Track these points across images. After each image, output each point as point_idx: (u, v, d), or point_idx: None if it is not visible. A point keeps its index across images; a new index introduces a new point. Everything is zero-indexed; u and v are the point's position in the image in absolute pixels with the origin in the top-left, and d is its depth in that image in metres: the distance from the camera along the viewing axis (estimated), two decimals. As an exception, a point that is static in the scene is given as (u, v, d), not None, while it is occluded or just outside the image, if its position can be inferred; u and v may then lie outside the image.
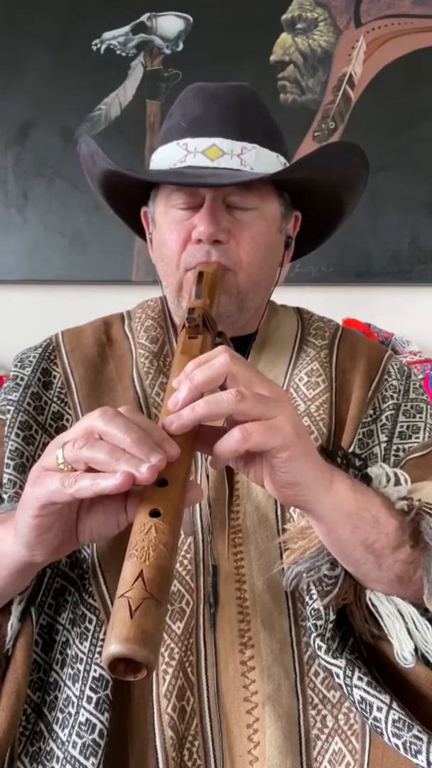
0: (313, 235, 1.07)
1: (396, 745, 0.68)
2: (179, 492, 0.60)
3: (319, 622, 0.74)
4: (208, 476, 0.87)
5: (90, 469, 0.60)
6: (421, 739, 0.67)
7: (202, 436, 0.66)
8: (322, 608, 0.75)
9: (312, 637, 0.74)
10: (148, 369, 0.96)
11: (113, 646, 0.50)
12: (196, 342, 0.75)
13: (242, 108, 0.94)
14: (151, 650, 0.51)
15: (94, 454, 0.59)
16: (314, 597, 0.76)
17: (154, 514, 0.58)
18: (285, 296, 1.11)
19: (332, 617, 0.75)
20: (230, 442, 0.63)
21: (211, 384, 0.65)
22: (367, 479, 0.76)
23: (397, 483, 0.77)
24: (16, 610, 0.77)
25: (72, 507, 0.65)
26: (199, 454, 0.86)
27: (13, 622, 0.77)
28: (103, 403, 0.92)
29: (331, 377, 0.96)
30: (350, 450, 0.88)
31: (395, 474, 0.77)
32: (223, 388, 0.65)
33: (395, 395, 0.96)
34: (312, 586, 0.76)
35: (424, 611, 0.74)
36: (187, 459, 0.63)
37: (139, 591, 0.52)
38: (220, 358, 0.65)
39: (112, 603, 0.78)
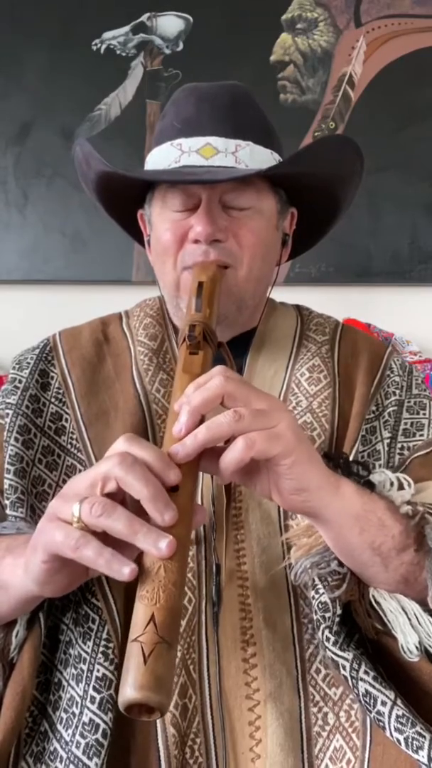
0: (311, 232, 1.07)
1: (398, 740, 0.68)
2: (186, 526, 0.62)
3: (327, 615, 0.74)
4: (212, 475, 0.87)
5: (105, 534, 0.62)
6: (423, 736, 0.67)
7: (205, 457, 0.67)
8: (329, 601, 0.75)
9: (321, 629, 0.74)
10: (148, 366, 0.96)
11: (129, 693, 0.53)
12: (197, 358, 0.77)
13: (235, 106, 0.94)
14: (164, 695, 0.54)
15: (112, 523, 0.61)
16: (321, 591, 0.76)
17: None
18: (285, 296, 1.11)
19: (339, 611, 0.75)
20: (235, 452, 0.65)
21: (208, 406, 0.67)
22: (370, 485, 0.76)
23: (401, 487, 0.77)
24: (21, 620, 0.78)
25: None
26: None
27: (18, 630, 0.77)
28: (101, 401, 0.93)
29: (333, 373, 0.96)
30: (354, 446, 0.88)
31: (398, 478, 0.78)
32: None
33: (398, 391, 0.96)
34: (318, 581, 0.76)
35: (427, 609, 0.74)
36: (191, 489, 0.65)
37: (151, 635, 0.55)
38: (215, 380, 0.67)
39: (114, 602, 0.78)
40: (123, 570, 0.60)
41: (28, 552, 0.68)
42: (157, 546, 0.59)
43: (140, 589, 0.58)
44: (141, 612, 0.56)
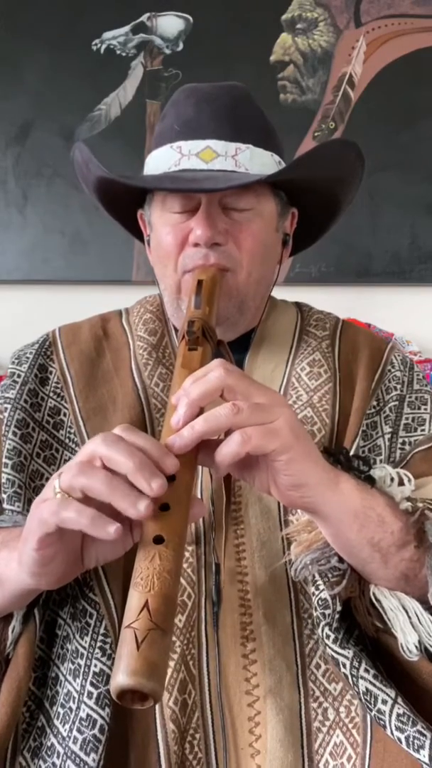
0: (311, 230, 1.07)
1: (398, 738, 0.67)
2: (182, 516, 0.62)
3: (327, 611, 0.74)
4: (211, 474, 0.87)
5: (88, 498, 0.61)
6: (424, 735, 0.67)
7: (203, 450, 0.67)
8: (329, 598, 0.75)
9: (321, 625, 0.74)
10: (147, 360, 0.96)
11: (121, 679, 0.52)
12: (196, 354, 0.77)
13: (235, 108, 0.94)
14: (157, 681, 0.53)
15: (90, 482, 0.61)
16: (320, 587, 0.76)
17: (158, 540, 0.59)
18: (285, 296, 1.11)
19: (339, 608, 0.75)
20: (231, 447, 0.64)
21: (207, 398, 0.66)
22: (370, 481, 0.76)
23: (401, 483, 0.77)
24: (17, 615, 0.77)
25: (76, 535, 0.66)
26: None
27: (14, 625, 0.77)
28: (100, 395, 0.93)
29: (334, 368, 0.96)
30: (354, 441, 0.88)
31: (398, 474, 0.77)
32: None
33: (399, 386, 0.96)
34: (318, 577, 0.76)
35: (427, 607, 0.74)
36: (188, 479, 0.65)
37: (144, 622, 0.54)
38: (215, 372, 0.67)
39: (112, 596, 0.78)
40: (108, 529, 0.59)
41: (21, 544, 0.67)
42: (135, 506, 0.59)
43: (134, 577, 0.57)
44: (135, 599, 0.56)
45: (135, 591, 0.56)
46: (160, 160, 0.94)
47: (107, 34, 2.23)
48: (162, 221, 0.94)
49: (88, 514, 0.60)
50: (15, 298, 2.26)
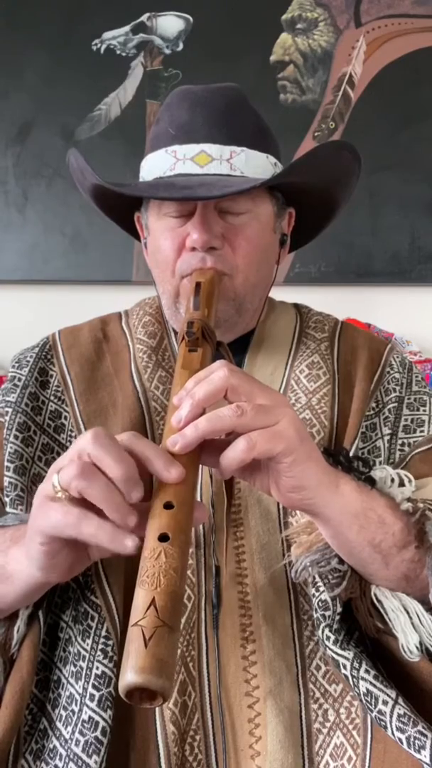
0: (310, 227, 1.07)
1: (399, 739, 0.68)
2: (187, 514, 0.62)
3: (327, 613, 0.74)
4: (211, 476, 0.87)
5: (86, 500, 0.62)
6: (425, 735, 0.67)
7: (206, 449, 0.67)
8: (329, 599, 0.75)
9: (321, 627, 0.74)
10: (147, 363, 0.96)
11: (129, 676, 0.52)
12: (196, 355, 0.77)
13: (229, 111, 0.93)
14: (166, 678, 0.52)
15: (87, 486, 0.61)
16: (321, 589, 0.76)
17: (163, 538, 0.59)
18: (285, 296, 1.11)
19: (339, 609, 0.75)
20: (236, 453, 0.64)
21: (211, 399, 0.66)
22: (370, 482, 0.76)
23: (401, 484, 0.77)
24: (23, 615, 0.77)
25: None
26: None
27: (19, 626, 0.77)
28: (100, 398, 0.93)
29: (333, 369, 0.96)
30: (354, 443, 0.88)
31: (399, 475, 0.77)
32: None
33: (398, 388, 0.96)
34: (318, 579, 0.76)
35: (428, 607, 0.74)
36: (192, 479, 0.64)
37: (151, 619, 0.54)
38: (218, 372, 0.67)
39: (114, 599, 0.78)
40: (126, 542, 0.60)
41: (27, 539, 0.68)
42: (125, 521, 0.60)
43: (140, 575, 0.57)
44: (141, 597, 0.56)
45: (141, 589, 0.56)
46: (156, 165, 0.94)
47: (107, 34, 2.23)
48: (159, 226, 0.95)
49: (107, 530, 0.61)
50: (15, 298, 2.27)
